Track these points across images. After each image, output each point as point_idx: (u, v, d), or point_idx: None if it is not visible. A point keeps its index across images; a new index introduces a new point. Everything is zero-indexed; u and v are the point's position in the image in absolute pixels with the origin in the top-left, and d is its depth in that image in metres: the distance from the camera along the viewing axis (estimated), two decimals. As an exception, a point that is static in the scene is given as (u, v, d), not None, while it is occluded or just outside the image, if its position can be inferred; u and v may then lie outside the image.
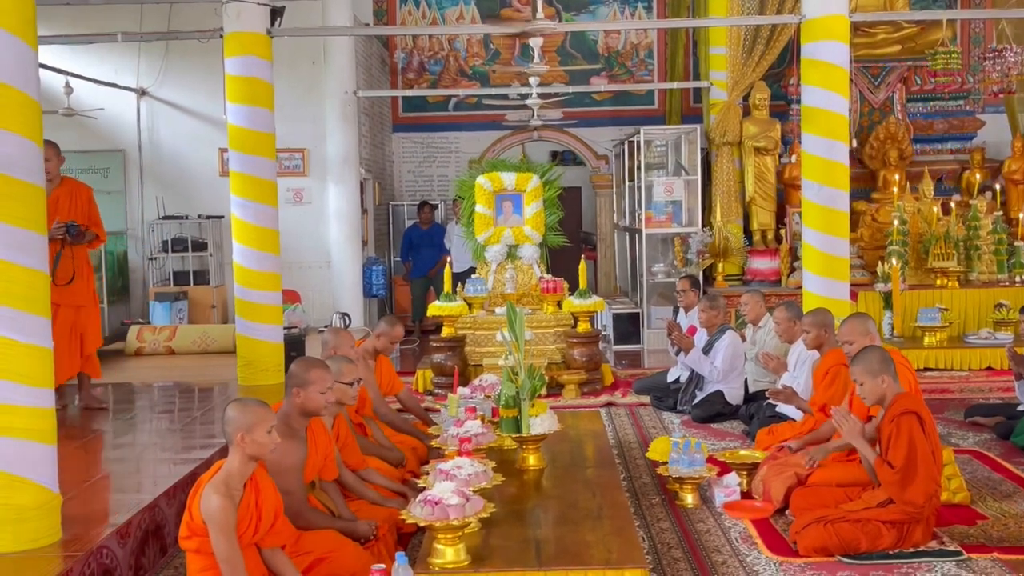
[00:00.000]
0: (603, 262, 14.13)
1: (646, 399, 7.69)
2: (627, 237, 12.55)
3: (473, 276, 8.85)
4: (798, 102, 10.48)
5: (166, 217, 11.09)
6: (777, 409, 6.18)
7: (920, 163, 11.43)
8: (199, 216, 11.05)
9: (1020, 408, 6.43)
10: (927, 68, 10.89)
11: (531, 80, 10.99)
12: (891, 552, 4.11)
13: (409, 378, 8.45)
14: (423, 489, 3.77)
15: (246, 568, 3.28)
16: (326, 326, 10.45)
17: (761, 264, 10.77)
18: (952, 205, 10.27)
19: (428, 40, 13.95)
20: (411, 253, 12.25)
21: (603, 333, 10.83)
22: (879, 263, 9.59)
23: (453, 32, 13.86)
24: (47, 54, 9.74)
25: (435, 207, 12.73)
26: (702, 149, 11.32)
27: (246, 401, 3.53)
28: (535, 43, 9.90)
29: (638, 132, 11.20)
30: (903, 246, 9.78)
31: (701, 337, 7.29)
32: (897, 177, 10.78)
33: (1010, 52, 10.45)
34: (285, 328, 8.42)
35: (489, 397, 5.36)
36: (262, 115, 7.60)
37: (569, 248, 9.69)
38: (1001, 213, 10.42)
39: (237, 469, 3.37)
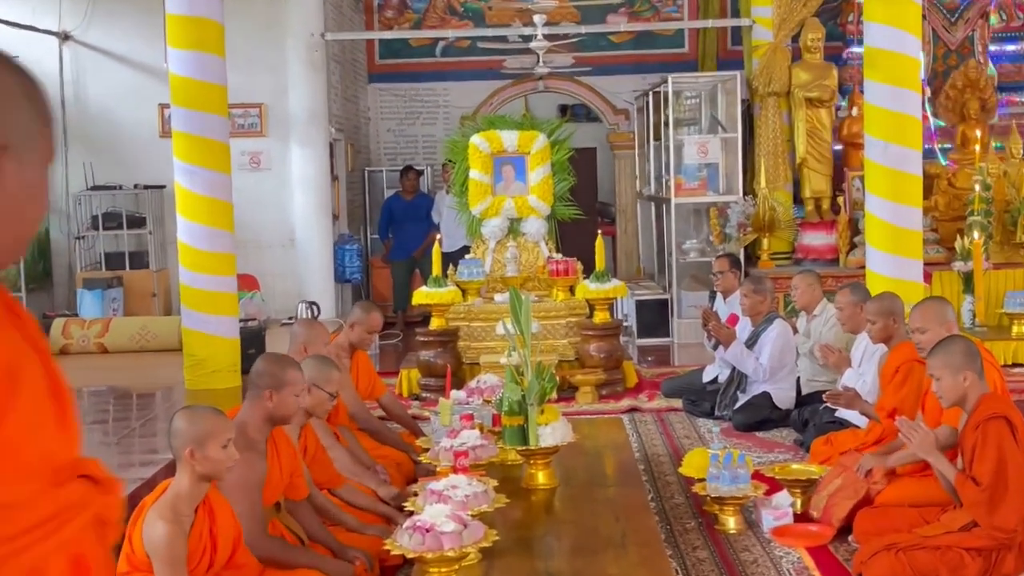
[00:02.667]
0: (624, 238, 14.12)
1: (678, 403, 7.70)
2: (652, 208, 12.53)
3: (467, 256, 8.85)
4: (859, 43, 10.41)
5: (96, 188, 11.07)
6: (836, 414, 6.17)
7: (1007, 116, 11.39)
8: (136, 186, 11.04)
9: None
10: (1015, 0, 10.83)
11: (535, 18, 10.94)
12: (976, 585, 4.10)
13: (392, 379, 8.45)
14: (411, 513, 3.76)
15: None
16: (291, 318, 10.46)
17: (815, 239, 10.75)
18: (1046, 166, 10.23)
19: (410, -29, 13.94)
20: (392, 229, 12.24)
21: (625, 324, 10.80)
22: (957, 237, 9.55)
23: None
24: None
25: (421, 173, 12.71)
26: (743, 101, 11.28)
27: (196, 409, 3.53)
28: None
29: (665, 81, 11.16)
30: (986, 216, 9.73)
31: (744, 328, 7.28)
32: (979, 133, 10.74)
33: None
34: (241, 320, 8.41)
35: (489, 402, 5.36)
36: (211, 63, 7.57)
37: (583, 222, 9.67)
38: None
39: (187, 490, 3.36)
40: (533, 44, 11.19)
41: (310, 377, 4.38)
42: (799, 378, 7.11)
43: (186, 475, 3.38)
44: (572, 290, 8.43)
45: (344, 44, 12.74)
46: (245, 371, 7.41)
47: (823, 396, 5.89)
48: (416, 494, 4.01)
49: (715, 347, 7.39)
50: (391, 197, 12.49)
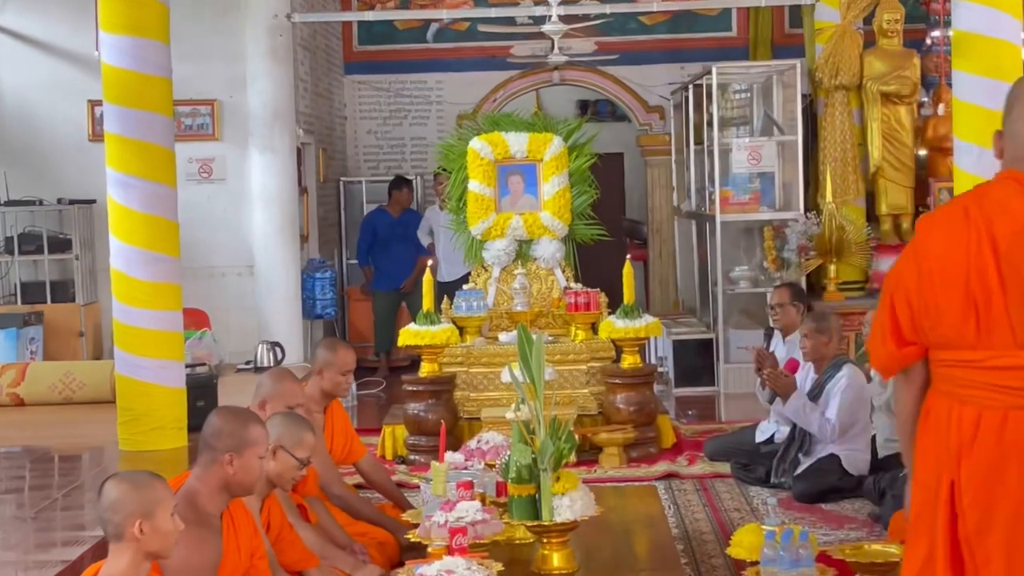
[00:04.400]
0: (658, 264, 14.14)
1: (725, 468, 7.69)
2: (693, 227, 12.54)
3: (465, 287, 8.87)
4: (947, 26, 10.46)
5: (10, 203, 11.10)
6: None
7: None
8: (59, 201, 11.08)
9: None
10: None
11: (549, -5, 11.01)
12: None
13: (372, 438, 8.43)
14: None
15: None
16: (248, 362, 10.48)
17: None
18: None
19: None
20: (375, 253, 12.28)
21: (660, 370, 10.77)
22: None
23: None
24: None
25: (410, 184, 12.76)
26: (803, 96, 11.32)
27: (134, 476, 3.54)
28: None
29: (708, 72, 11.22)
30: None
31: (806, 375, 7.28)
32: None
33: None
34: (188, 366, 8.41)
35: (493, 467, 5.36)
36: (152, 50, 7.62)
37: (608, 244, 9.70)
38: None
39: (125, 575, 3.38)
40: (546, 27, 11.22)
41: (277, 438, 4.40)
42: (874, 437, 7.10)
43: (126, 556, 3.39)
44: (595, 328, 8.42)
45: (315, 27, 12.82)
46: (193, 429, 7.45)
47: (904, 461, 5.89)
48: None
49: (771, 399, 7.38)
50: (373, 213, 12.54)
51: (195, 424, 7.15)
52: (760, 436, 7.74)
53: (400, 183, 12.36)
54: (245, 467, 4.01)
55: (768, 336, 8.18)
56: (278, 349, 10.51)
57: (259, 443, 4.08)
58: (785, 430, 7.39)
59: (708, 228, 11.36)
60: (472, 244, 9.04)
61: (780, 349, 7.84)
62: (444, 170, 9.55)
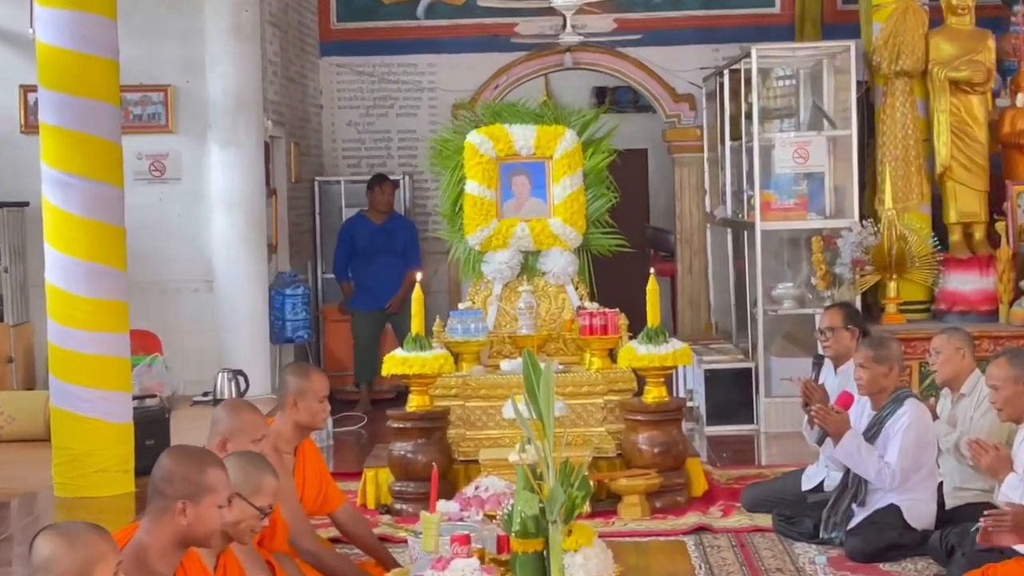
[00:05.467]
0: (687, 280, 14.13)
1: (766, 520, 7.65)
2: (728, 237, 12.56)
3: (461, 306, 8.87)
4: (1027, 1, 10.47)
5: (-71, 205, 11.12)
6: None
7: None
8: (-14, 203, 11.09)
9: None
10: None
11: (561, -34, 11.04)
12: None
13: (351, 484, 8.42)
14: None
15: None
16: (206, 394, 10.47)
17: (964, 283, 10.74)
18: None
19: None
20: (355, 266, 12.29)
21: (689, 405, 10.76)
22: None
23: None
24: None
25: (396, 185, 12.76)
26: (859, 83, 11.33)
27: (71, 528, 3.52)
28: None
29: (748, 54, 11.22)
30: None
31: (862, 411, 7.26)
32: None
33: None
34: (136, 398, 8.41)
35: (493, 518, 5.35)
36: (96, 27, 7.65)
37: (628, 256, 9.69)
38: None
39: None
40: (557, 1, 11.27)
41: (232, 483, 4.38)
42: (941, 485, 7.07)
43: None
44: (613, 355, 8.42)
45: (286, 1, 12.85)
46: (142, 472, 7.41)
47: (984, 520, 5.83)
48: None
49: (820, 440, 7.35)
50: (353, 219, 12.55)
51: (144, 466, 7.14)
52: (807, 483, 7.71)
53: (378, 182, 12.35)
54: (202, 517, 4.01)
55: (817, 365, 8.17)
56: (241, 378, 10.50)
57: (218, 489, 4.07)
58: (837, 476, 7.36)
59: (746, 238, 11.35)
60: (469, 256, 9.04)
61: (831, 381, 7.83)
62: (437, 168, 9.50)
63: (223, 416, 5.49)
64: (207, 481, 4.05)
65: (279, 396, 6.24)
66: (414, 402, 8.19)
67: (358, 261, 12.25)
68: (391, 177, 12.67)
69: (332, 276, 12.97)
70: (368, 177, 12.81)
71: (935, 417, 7.19)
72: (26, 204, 10.86)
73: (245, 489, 4.55)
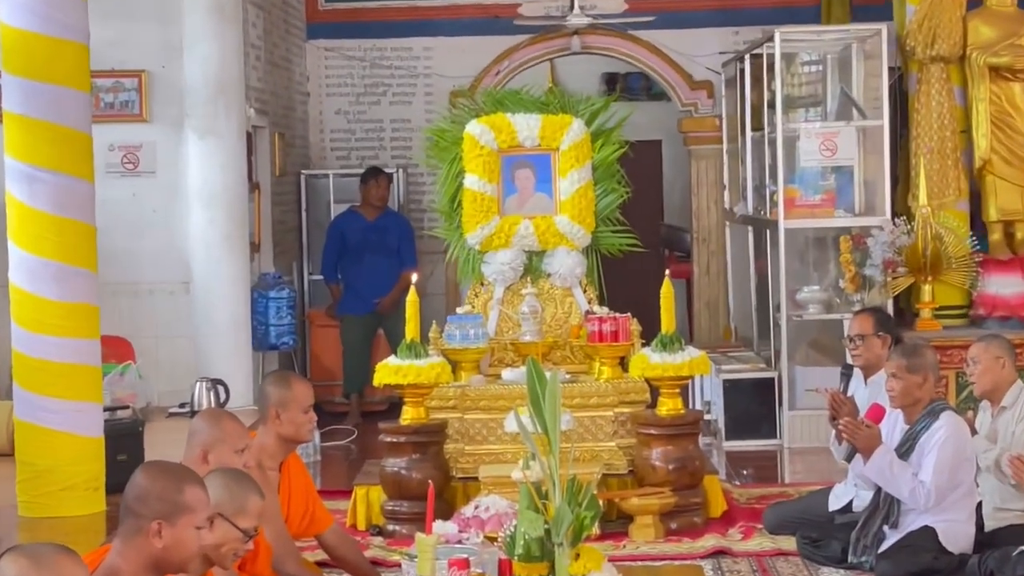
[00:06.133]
0: (705, 283, 14.13)
1: (790, 543, 7.68)
2: (749, 235, 12.58)
3: (460, 310, 8.90)
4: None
5: None
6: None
7: None
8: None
9: None
10: None
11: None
12: None
13: (340, 503, 8.45)
14: None
15: None
16: (183, 405, 10.49)
17: (1005, 286, 10.76)
18: None
19: None
20: (344, 266, 12.32)
21: (707, 418, 10.78)
22: None
23: None
24: None
25: (390, 179, 12.78)
26: (891, 70, 11.34)
27: (36, 551, 3.54)
28: None
29: (770, 38, 11.24)
30: None
31: (894, 425, 7.29)
32: None
33: None
34: (107, 409, 8.41)
35: (494, 540, 5.37)
36: (65, 8, 7.63)
37: (641, 257, 9.72)
38: None
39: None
40: (564, -20, 11.33)
41: (215, 502, 4.41)
42: (980, 505, 7.09)
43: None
44: (624, 364, 8.45)
45: (270, -21, 12.91)
46: (114, 490, 7.40)
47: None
48: None
49: (849, 456, 7.37)
50: (343, 216, 12.59)
51: (115, 483, 7.17)
52: (835, 503, 7.72)
53: (372, 175, 12.37)
54: (178, 539, 4.01)
55: (846, 376, 8.15)
56: (220, 388, 10.49)
57: (197, 508, 4.07)
58: (867, 495, 7.35)
59: (769, 237, 11.37)
60: (468, 256, 9.08)
61: (861, 392, 7.82)
62: (434, 161, 9.54)
63: (202, 426, 5.50)
64: (185, 500, 4.04)
65: (260, 408, 6.26)
66: (408, 414, 8.19)
67: (348, 261, 12.28)
68: (385, 169, 12.67)
69: (320, 277, 12.98)
70: (359, 170, 12.84)
71: (973, 432, 7.19)
72: (-13, 199, 10.90)
73: (228, 509, 4.57)
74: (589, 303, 8.91)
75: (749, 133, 12.23)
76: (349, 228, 12.33)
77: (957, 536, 7.00)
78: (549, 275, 8.98)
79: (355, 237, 12.25)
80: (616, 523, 7.88)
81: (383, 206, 12.41)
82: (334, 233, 12.48)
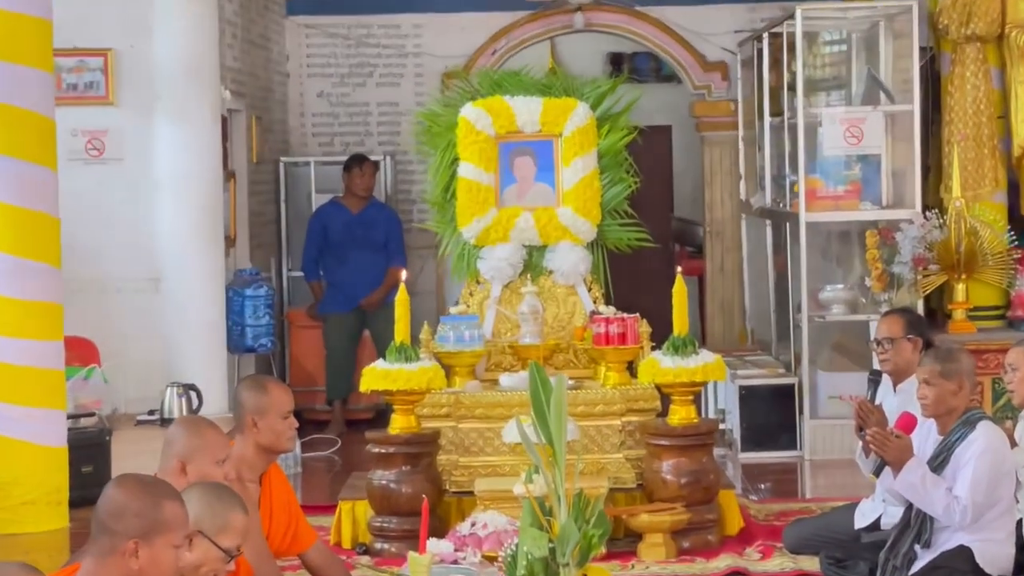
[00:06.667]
0: (719, 280, 14.15)
1: (813, 563, 7.69)
2: (767, 230, 12.60)
3: (454, 310, 8.90)
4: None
5: None
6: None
7: None
8: None
9: None
10: None
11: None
12: None
13: (323, 519, 8.45)
14: None
15: None
16: (152, 412, 10.48)
17: (1046, 286, 10.77)
18: None
19: None
20: (327, 263, 12.32)
21: (722, 427, 10.77)
22: None
23: None
24: None
25: (377, 167, 12.77)
26: (922, 50, 11.34)
27: (1, 569, 3.55)
28: None
29: (791, 16, 11.26)
30: None
31: (926, 436, 7.28)
32: None
33: None
34: (70, 416, 8.41)
35: (493, 560, 5.36)
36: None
37: (651, 253, 9.73)
38: None
39: None
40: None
41: (194, 519, 4.39)
42: (1020, 523, 7.09)
43: None
44: (633, 369, 8.46)
45: (247, -50, 12.90)
46: (79, 504, 7.41)
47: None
48: None
49: (877, 469, 7.36)
50: (325, 207, 12.61)
51: (80, 497, 7.18)
52: (861, 520, 7.70)
53: (356, 162, 12.37)
54: (156, 560, 3.99)
55: (873, 382, 8.16)
56: (193, 394, 10.51)
57: (175, 526, 4.05)
58: (897, 512, 7.34)
59: (788, 231, 11.40)
60: (463, 251, 9.07)
61: (889, 400, 7.82)
62: (425, 147, 9.53)
63: (180, 434, 5.47)
64: (163, 517, 4.02)
65: (236, 417, 6.23)
66: (398, 423, 8.20)
67: (331, 257, 12.30)
68: (370, 158, 12.68)
69: (300, 274, 13.02)
70: (342, 158, 12.86)
71: (1013, 444, 7.20)
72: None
73: (209, 526, 4.55)
74: (594, 302, 8.93)
75: (767, 118, 12.24)
76: (332, 221, 12.34)
77: (996, 556, 6.98)
78: (551, 272, 9.00)
79: (338, 230, 12.26)
80: (624, 542, 7.91)
81: (369, 197, 12.40)
82: (316, 226, 12.50)
